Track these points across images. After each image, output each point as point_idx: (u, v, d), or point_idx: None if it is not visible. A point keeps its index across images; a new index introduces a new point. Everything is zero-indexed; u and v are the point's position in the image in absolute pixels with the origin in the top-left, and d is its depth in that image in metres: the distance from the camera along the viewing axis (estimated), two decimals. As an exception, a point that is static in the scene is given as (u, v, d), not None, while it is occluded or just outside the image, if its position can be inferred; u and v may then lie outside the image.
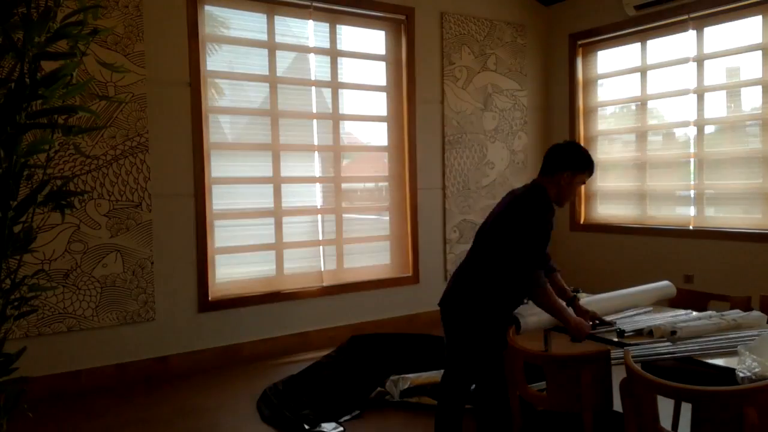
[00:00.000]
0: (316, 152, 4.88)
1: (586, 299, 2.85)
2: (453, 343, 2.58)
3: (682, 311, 2.71)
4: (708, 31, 4.85)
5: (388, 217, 5.26)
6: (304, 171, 4.82)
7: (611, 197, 5.70)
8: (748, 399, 1.58)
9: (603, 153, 5.75)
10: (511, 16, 5.81)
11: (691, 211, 5.02)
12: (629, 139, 5.54)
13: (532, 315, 2.52)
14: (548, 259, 2.67)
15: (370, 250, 5.17)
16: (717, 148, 4.87)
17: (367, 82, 5.14)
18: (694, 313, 2.65)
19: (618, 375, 1.87)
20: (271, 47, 4.61)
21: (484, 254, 2.53)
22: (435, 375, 3.48)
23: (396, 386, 3.54)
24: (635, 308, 2.76)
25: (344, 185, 5.04)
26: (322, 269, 4.89)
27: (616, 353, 2.19)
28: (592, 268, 5.67)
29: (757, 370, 1.81)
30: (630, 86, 5.47)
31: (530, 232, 2.40)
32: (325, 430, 3.09)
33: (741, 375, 1.83)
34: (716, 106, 4.84)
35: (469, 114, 5.55)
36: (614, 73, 5.62)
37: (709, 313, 2.54)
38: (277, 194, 4.67)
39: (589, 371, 1.95)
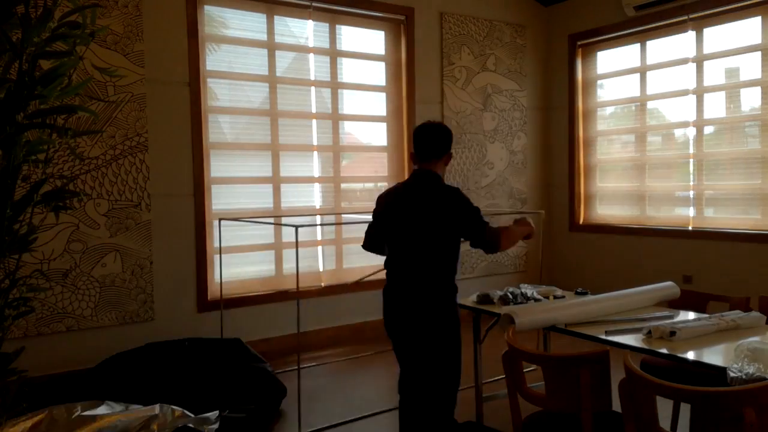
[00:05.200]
0: (316, 152, 4.88)
1: (589, 298, 2.86)
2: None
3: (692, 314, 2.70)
4: (707, 31, 4.85)
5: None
6: (304, 171, 4.82)
7: (610, 198, 5.70)
8: (746, 399, 1.58)
9: (602, 153, 5.75)
10: (511, 16, 5.81)
11: (690, 211, 5.02)
12: (628, 139, 5.55)
13: (525, 315, 2.53)
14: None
15: (369, 250, 5.16)
16: (716, 148, 4.87)
17: (367, 82, 5.14)
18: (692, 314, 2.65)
19: (617, 375, 1.87)
20: (271, 47, 4.61)
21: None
22: None
23: None
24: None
25: (344, 185, 5.04)
26: (322, 269, 4.89)
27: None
28: (591, 268, 5.68)
29: (749, 370, 1.80)
30: (629, 87, 5.47)
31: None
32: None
33: (732, 375, 1.82)
34: (715, 106, 4.85)
35: (469, 114, 5.55)
36: (614, 73, 5.62)
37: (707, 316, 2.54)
38: (277, 194, 4.67)
39: (588, 371, 1.95)
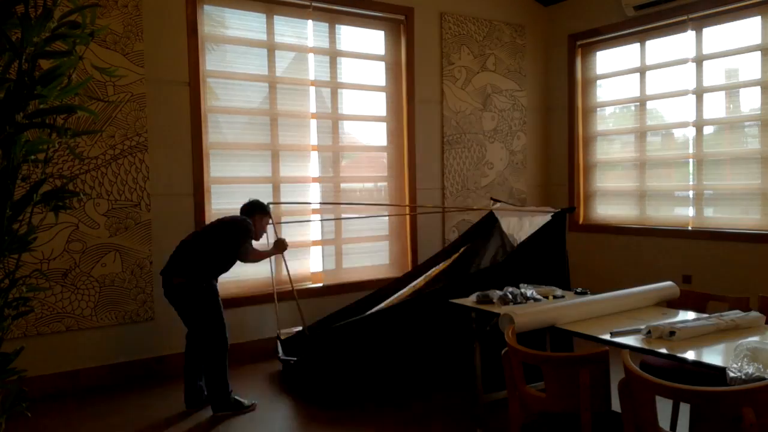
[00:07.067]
0: (315, 152, 4.88)
1: (589, 298, 2.86)
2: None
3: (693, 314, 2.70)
4: (707, 31, 4.85)
5: (387, 217, 5.26)
6: (303, 171, 4.81)
7: (610, 197, 5.70)
8: (746, 399, 1.58)
9: (602, 153, 5.75)
10: (511, 16, 5.81)
11: (690, 211, 5.02)
12: (628, 139, 5.54)
13: (524, 315, 2.53)
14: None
15: (369, 250, 5.17)
16: (716, 148, 4.87)
17: (367, 82, 5.14)
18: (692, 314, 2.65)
19: (617, 375, 1.87)
20: (270, 47, 4.61)
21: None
22: None
23: None
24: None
25: (343, 185, 5.03)
26: (321, 269, 4.89)
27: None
28: (591, 268, 5.67)
29: (748, 370, 1.80)
30: (629, 86, 5.47)
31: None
32: None
33: (731, 375, 1.82)
34: (715, 106, 4.85)
35: (468, 114, 5.55)
36: (613, 73, 5.62)
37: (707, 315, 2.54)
38: (276, 194, 4.66)
39: (588, 372, 1.95)
